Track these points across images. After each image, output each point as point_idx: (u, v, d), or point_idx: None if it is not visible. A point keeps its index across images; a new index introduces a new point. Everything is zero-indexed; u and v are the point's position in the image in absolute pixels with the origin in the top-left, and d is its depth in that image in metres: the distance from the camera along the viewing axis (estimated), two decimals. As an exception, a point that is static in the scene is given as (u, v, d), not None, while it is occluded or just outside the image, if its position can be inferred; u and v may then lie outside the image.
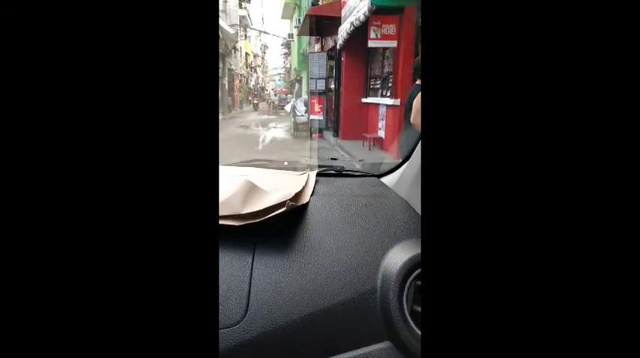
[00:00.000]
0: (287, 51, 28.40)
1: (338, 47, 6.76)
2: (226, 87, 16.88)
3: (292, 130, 8.89)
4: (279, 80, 38.71)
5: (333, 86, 7.81)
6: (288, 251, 0.52)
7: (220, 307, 0.44)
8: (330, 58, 7.94)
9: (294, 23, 11.90)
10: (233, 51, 19.58)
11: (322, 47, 9.42)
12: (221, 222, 0.52)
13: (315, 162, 0.96)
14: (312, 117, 7.92)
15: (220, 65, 16.18)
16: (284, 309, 0.45)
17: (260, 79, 37.95)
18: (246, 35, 26.26)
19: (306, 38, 13.34)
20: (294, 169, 0.85)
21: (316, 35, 9.37)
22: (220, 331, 0.43)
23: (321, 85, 7.77)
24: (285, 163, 0.96)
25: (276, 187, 0.65)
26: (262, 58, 40.04)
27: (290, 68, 27.53)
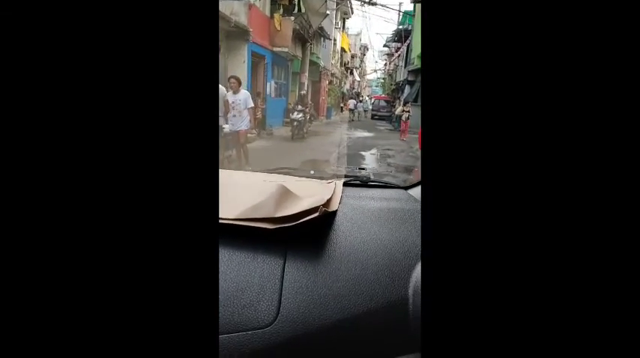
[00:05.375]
0: (390, 49, 22.58)
1: None
2: (306, 86, 11.39)
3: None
4: (377, 86, 33.98)
5: None
6: (318, 257, 0.52)
7: (252, 308, 0.45)
8: None
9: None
10: (321, 38, 14.20)
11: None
12: (254, 224, 0.53)
13: (342, 172, 0.95)
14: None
15: (298, 53, 10.76)
16: (315, 314, 0.45)
17: (356, 83, 32.67)
18: (344, 25, 20.90)
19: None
20: (320, 178, 0.82)
21: None
22: (252, 332, 0.43)
23: None
24: (312, 172, 0.97)
25: (308, 193, 0.65)
26: (361, 60, 34.88)
27: (395, 70, 21.50)
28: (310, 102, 10.21)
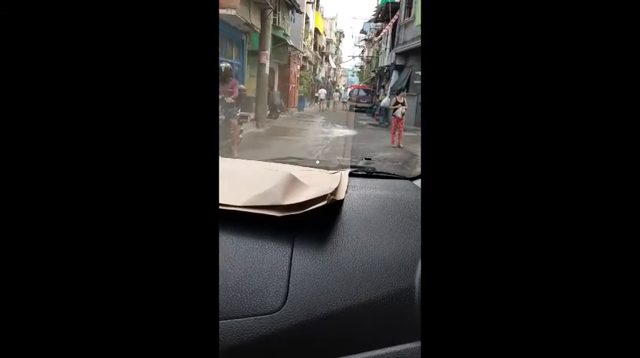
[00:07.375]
0: (369, 35, 20.12)
1: None
2: (267, 69, 8.67)
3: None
4: (352, 75, 31.85)
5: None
6: (325, 245, 0.53)
7: (260, 294, 0.46)
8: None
9: None
10: (289, 10, 11.45)
11: None
12: (262, 211, 0.54)
13: (347, 162, 1.05)
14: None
15: (255, 23, 8.02)
16: (322, 301, 0.46)
17: (332, 71, 30.08)
18: (318, 2, 18.11)
19: None
20: (326, 168, 0.83)
21: None
22: (259, 317, 0.44)
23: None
24: (317, 161, 1.02)
25: (314, 182, 0.66)
26: (337, 47, 32.29)
27: (375, 56, 19.06)
28: (242, 86, 5.38)
